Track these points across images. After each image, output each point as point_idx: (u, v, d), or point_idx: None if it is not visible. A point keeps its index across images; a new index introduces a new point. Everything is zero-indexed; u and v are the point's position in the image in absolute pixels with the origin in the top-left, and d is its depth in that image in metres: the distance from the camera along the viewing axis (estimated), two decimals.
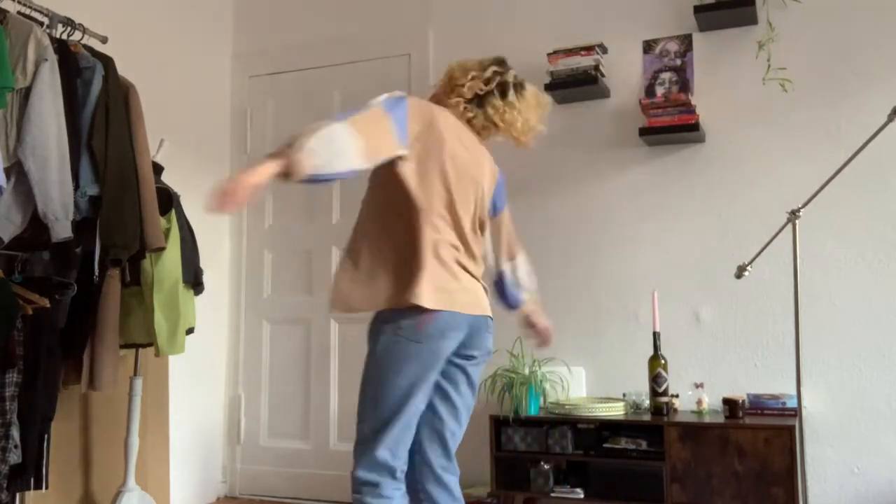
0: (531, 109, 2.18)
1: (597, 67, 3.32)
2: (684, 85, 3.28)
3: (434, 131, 1.89)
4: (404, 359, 1.82)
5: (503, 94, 2.12)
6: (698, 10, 3.15)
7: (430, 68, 3.75)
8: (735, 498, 2.69)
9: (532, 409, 3.03)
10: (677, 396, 3.04)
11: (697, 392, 3.05)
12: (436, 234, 1.86)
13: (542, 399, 3.10)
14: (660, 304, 3.14)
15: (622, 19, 3.44)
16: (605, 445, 2.90)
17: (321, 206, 3.95)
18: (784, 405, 2.88)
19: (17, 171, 2.41)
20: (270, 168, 1.58)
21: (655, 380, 2.98)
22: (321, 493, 3.76)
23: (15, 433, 2.33)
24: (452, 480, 2.00)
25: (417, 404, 1.87)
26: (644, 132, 3.19)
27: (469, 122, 2.08)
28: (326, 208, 3.94)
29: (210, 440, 3.91)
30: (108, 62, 2.73)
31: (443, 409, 1.97)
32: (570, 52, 3.35)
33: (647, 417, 2.94)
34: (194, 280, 3.16)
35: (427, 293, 1.79)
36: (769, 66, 3.16)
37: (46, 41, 2.49)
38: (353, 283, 1.85)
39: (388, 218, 1.88)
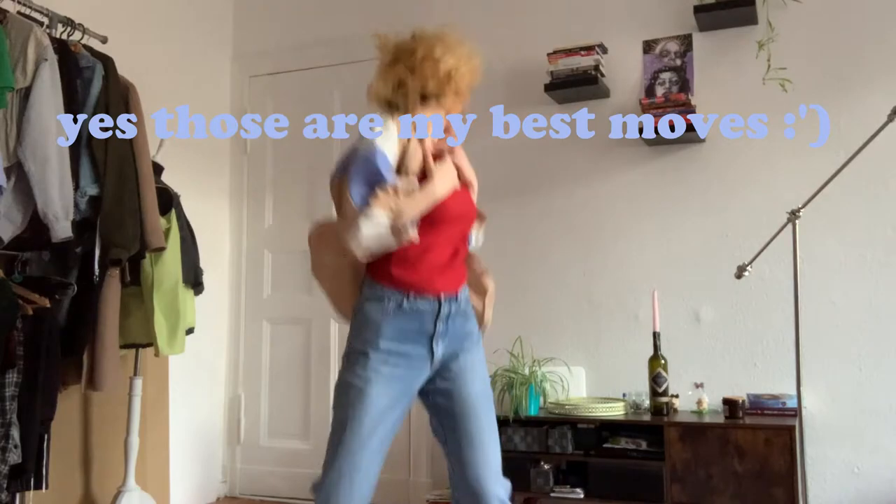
0: None
1: (597, 67, 3.32)
2: (684, 85, 3.28)
3: None
4: None
5: None
6: (698, 10, 3.15)
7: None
8: (735, 498, 2.69)
9: (532, 409, 3.03)
10: (677, 396, 3.04)
11: (697, 392, 3.05)
12: None
13: (542, 399, 3.10)
14: (660, 304, 3.14)
15: (622, 19, 3.44)
16: (604, 445, 2.90)
17: (321, 205, 3.95)
18: (784, 405, 2.88)
19: (17, 171, 2.41)
20: None
21: (655, 380, 2.98)
22: None
23: (15, 433, 2.33)
24: None
25: None
26: None
27: None
28: (326, 208, 3.94)
29: (210, 440, 3.91)
30: (108, 62, 2.73)
31: None
32: (570, 52, 3.35)
33: (647, 417, 2.94)
34: (194, 280, 3.16)
35: None
36: (769, 66, 3.16)
37: (46, 41, 2.49)
38: None
39: None
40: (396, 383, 1.78)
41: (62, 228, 2.46)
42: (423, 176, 1.82)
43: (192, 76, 3.86)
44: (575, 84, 3.33)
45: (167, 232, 2.93)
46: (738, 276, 2.68)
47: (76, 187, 2.56)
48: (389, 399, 1.77)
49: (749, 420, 2.80)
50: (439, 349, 1.83)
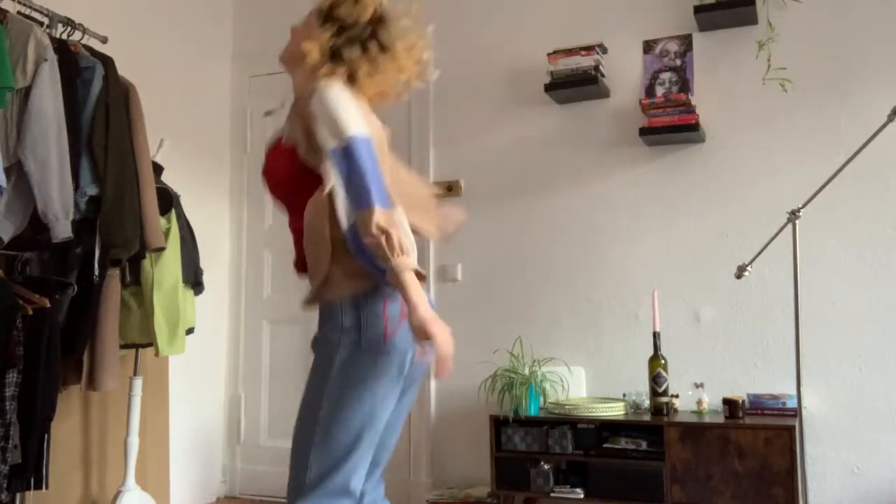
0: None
1: (597, 67, 3.32)
2: (684, 85, 3.28)
3: None
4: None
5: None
6: (698, 10, 3.15)
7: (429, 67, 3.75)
8: (735, 498, 2.69)
9: (532, 409, 3.03)
10: (677, 396, 3.04)
11: (697, 392, 3.05)
12: None
13: (542, 399, 3.10)
14: (660, 304, 3.14)
15: (622, 19, 3.44)
16: (605, 445, 2.90)
17: None
18: (784, 405, 2.88)
19: (17, 171, 2.41)
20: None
21: (655, 380, 2.98)
22: None
23: (15, 433, 2.33)
24: None
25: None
26: (644, 132, 3.20)
27: None
28: None
29: (210, 440, 3.91)
30: (108, 62, 2.73)
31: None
32: (570, 52, 3.35)
33: (647, 417, 2.94)
34: (194, 280, 3.16)
35: None
36: (769, 66, 3.16)
37: (46, 41, 2.49)
38: None
39: None
40: None
41: (62, 228, 2.46)
42: None
43: (192, 76, 3.86)
44: (575, 84, 3.33)
45: (167, 232, 2.93)
46: (738, 276, 2.68)
47: (76, 187, 2.56)
48: None
49: (749, 420, 2.80)
50: None
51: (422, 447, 3.60)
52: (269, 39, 4.24)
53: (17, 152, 2.40)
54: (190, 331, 3.08)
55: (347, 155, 1.47)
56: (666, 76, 3.33)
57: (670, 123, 3.15)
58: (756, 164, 3.17)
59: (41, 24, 2.66)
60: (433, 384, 3.61)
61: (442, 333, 1.41)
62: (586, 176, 3.43)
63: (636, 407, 3.07)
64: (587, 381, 3.33)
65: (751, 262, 2.68)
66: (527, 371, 3.09)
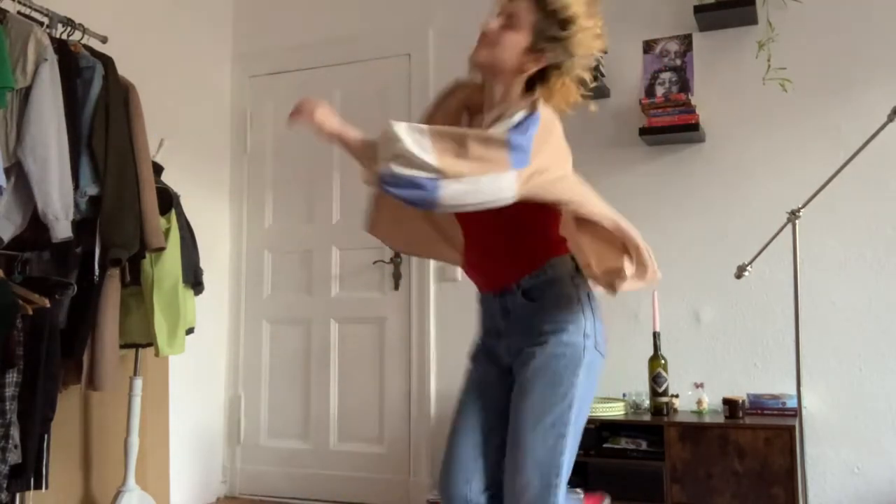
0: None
1: (597, 67, 3.32)
2: (684, 85, 3.28)
3: None
4: None
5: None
6: (698, 10, 3.15)
7: (430, 68, 3.75)
8: (735, 498, 2.69)
9: None
10: (677, 396, 3.04)
11: (697, 392, 3.05)
12: None
13: None
14: (660, 304, 3.14)
15: (622, 19, 3.44)
16: (605, 445, 2.90)
17: (321, 206, 3.95)
18: (784, 405, 2.88)
19: (17, 171, 2.41)
20: None
21: (655, 380, 2.98)
22: (321, 493, 3.76)
23: (15, 433, 2.33)
24: None
25: None
26: (644, 132, 3.20)
27: None
28: (326, 208, 3.94)
29: (210, 440, 3.91)
30: (108, 62, 2.73)
31: None
32: None
33: (647, 417, 2.94)
34: (194, 280, 3.16)
35: None
36: (769, 66, 3.16)
37: (46, 41, 2.49)
38: None
39: None
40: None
41: (62, 228, 2.46)
42: None
43: (192, 76, 3.86)
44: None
45: (167, 232, 2.93)
46: (738, 276, 2.68)
47: (76, 187, 2.56)
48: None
49: (749, 420, 2.80)
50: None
51: (422, 447, 3.60)
52: (269, 39, 4.27)
53: (17, 152, 2.40)
54: (190, 331, 3.08)
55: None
56: (666, 76, 3.33)
57: (670, 123, 3.15)
58: (756, 164, 3.18)
59: (41, 24, 2.66)
60: (433, 384, 3.61)
61: None
62: (586, 176, 3.38)
63: (636, 407, 3.07)
64: None
65: (751, 262, 2.68)
66: None
